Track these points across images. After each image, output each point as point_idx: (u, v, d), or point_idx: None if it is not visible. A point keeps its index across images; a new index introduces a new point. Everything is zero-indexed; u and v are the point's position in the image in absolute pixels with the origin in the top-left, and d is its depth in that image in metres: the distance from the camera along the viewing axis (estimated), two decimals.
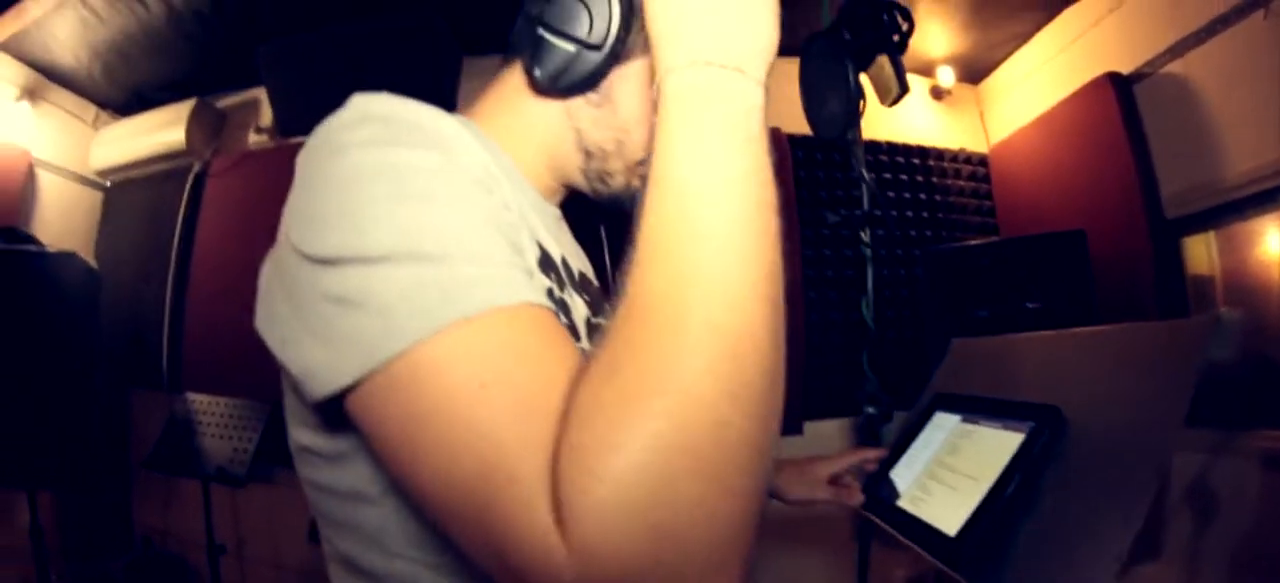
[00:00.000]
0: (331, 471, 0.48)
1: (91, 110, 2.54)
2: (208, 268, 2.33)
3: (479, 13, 2.19)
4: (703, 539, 0.30)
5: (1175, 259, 1.94)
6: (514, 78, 0.60)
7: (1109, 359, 0.92)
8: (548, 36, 0.52)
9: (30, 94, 2.27)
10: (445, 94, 2.34)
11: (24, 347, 1.85)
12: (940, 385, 1.19)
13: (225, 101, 2.55)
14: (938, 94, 2.64)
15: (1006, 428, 0.90)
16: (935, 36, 2.40)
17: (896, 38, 0.71)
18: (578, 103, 0.57)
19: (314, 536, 0.57)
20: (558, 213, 0.64)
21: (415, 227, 0.37)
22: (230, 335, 2.18)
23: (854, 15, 0.71)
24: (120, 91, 2.48)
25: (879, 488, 1.03)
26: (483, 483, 0.32)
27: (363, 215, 0.37)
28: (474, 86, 2.39)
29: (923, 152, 2.54)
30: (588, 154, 0.59)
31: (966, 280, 1.93)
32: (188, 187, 2.41)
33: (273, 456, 1.97)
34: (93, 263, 2.21)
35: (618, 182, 0.60)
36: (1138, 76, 2.02)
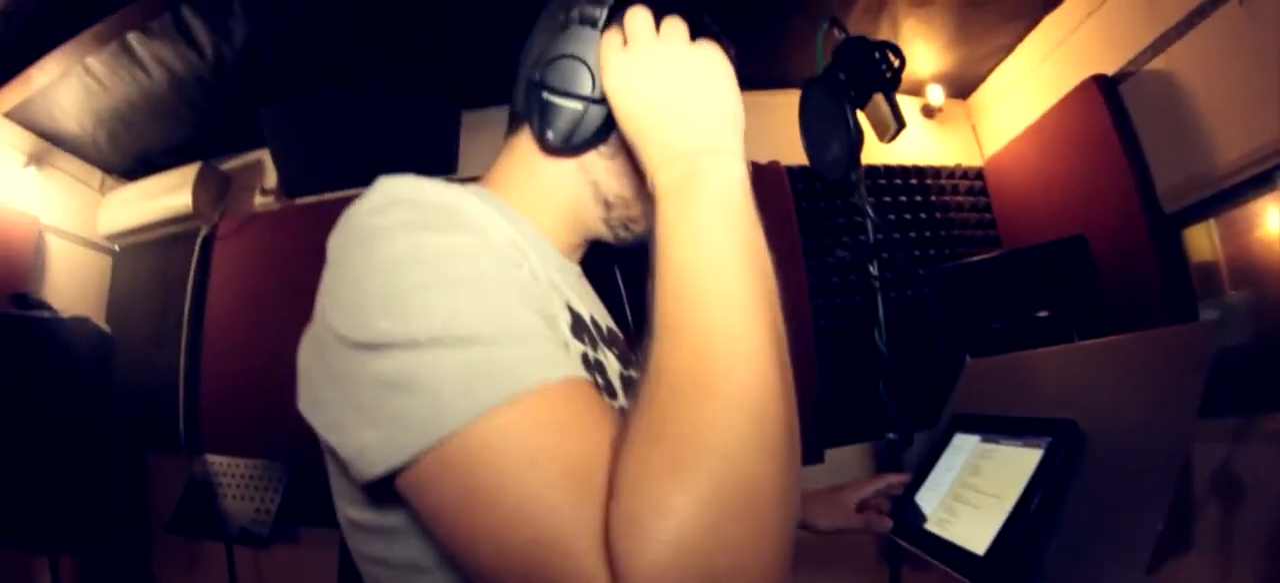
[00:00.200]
0: (386, 545, 0.49)
1: (97, 175, 2.58)
2: (220, 329, 2.34)
3: (474, 68, 2.25)
4: (749, 557, 0.33)
5: (1177, 252, 1.94)
6: (524, 143, 0.62)
7: (1119, 368, 0.94)
8: (553, 99, 0.55)
9: (37, 160, 2.29)
10: (445, 148, 2.39)
11: (41, 411, 1.87)
12: (958, 406, 1.20)
13: (229, 164, 2.59)
14: (929, 112, 2.67)
15: (1025, 445, 0.91)
16: (922, 56, 2.44)
17: (889, 75, 0.74)
18: (590, 157, 0.60)
19: None
20: (579, 270, 0.66)
21: (457, 310, 0.39)
22: (245, 396, 2.21)
23: (848, 57, 0.74)
24: (125, 157, 2.51)
25: (906, 512, 1.04)
26: (540, 552, 0.34)
27: (406, 302, 0.39)
28: (473, 139, 2.46)
29: (919, 172, 2.57)
30: (608, 204, 0.61)
31: (974, 296, 1.94)
32: (196, 249, 2.44)
33: (296, 515, 1.99)
34: (105, 327, 2.23)
35: (641, 226, 0.62)
36: (1122, 76, 2.05)
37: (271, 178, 2.50)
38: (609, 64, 0.51)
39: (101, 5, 1.74)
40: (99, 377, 2.04)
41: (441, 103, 2.31)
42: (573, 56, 0.54)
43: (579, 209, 0.62)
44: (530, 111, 0.57)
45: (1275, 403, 1.62)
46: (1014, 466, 0.90)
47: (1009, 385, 1.17)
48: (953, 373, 1.51)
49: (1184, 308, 1.88)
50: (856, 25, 2.21)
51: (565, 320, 0.51)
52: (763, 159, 2.34)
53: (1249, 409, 1.65)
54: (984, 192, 2.63)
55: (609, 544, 0.33)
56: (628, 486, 0.34)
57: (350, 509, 0.51)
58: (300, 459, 1.94)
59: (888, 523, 0.92)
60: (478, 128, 2.46)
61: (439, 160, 2.38)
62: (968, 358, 1.45)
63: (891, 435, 0.97)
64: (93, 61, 1.95)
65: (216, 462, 2.00)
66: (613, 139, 0.58)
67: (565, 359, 0.41)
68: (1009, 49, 2.47)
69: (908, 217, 2.52)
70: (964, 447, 1.04)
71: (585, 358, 0.51)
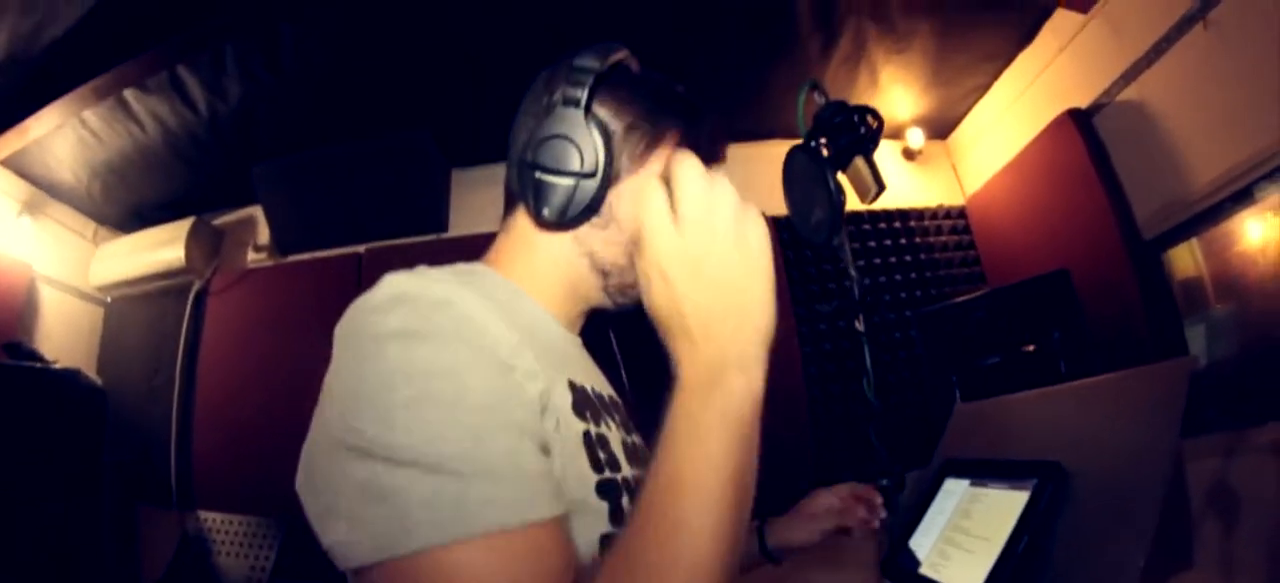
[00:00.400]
0: None
1: (91, 226, 2.58)
2: (213, 385, 2.33)
3: (464, 127, 2.31)
4: None
5: (1159, 276, 1.96)
6: (521, 222, 0.66)
7: (1101, 408, 0.97)
8: (545, 178, 0.58)
9: (31, 209, 2.29)
10: (436, 207, 2.43)
11: (31, 464, 1.84)
12: (947, 451, 1.23)
13: (222, 219, 2.60)
14: (909, 155, 2.72)
15: (1013, 487, 0.94)
16: (900, 100, 2.50)
17: (868, 138, 0.78)
18: (584, 230, 0.63)
19: None
20: (579, 341, 0.69)
21: (435, 435, 0.42)
22: (238, 452, 2.20)
23: (828, 123, 0.78)
24: (119, 209, 2.52)
25: (900, 557, 1.06)
26: None
27: (392, 415, 0.42)
28: (463, 197, 2.49)
29: (903, 214, 2.62)
30: (604, 273, 0.64)
31: (961, 336, 1.97)
32: (189, 304, 2.43)
33: (290, 572, 1.97)
34: (96, 379, 2.22)
35: (638, 292, 0.65)
36: (1095, 108, 2.09)
37: (264, 234, 2.51)
38: (654, 237, 0.49)
39: (99, 61, 1.77)
40: (90, 429, 2.03)
41: (432, 162, 2.35)
42: (560, 136, 0.58)
43: (578, 281, 0.65)
44: (525, 191, 0.60)
45: (1264, 414, 1.63)
46: (1002, 508, 0.93)
47: (995, 428, 1.20)
48: (943, 412, 1.54)
49: (1168, 331, 1.90)
50: (836, 75, 2.28)
51: (566, 400, 0.53)
52: None
53: (1238, 422, 1.66)
54: (967, 230, 2.67)
55: None
56: None
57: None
58: (294, 516, 1.91)
59: (862, 514, 0.93)
60: (468, 186, 2.50)
61: (430, 219, 2.41)
62: (957, 402, 1.48)
63: (884, 482, 0.99)
64: (89, 115, 1.97)
65: (210, 518, 1.98)
66: (603, 211, 0.61)
67: (531, 502, 0.43)
68: (985, 88, 2.53)
69: (892, 259, 2.55)
70: (955, 491, 1.06)
71: (587, 435, 0.53)
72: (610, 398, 0.66)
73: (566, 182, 0.57)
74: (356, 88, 2.05)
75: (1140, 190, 1.99)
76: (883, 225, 2.57)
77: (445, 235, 2.44)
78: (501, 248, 0.68)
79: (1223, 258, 1.83)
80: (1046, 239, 2.24)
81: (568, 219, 0.59)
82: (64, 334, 2.43)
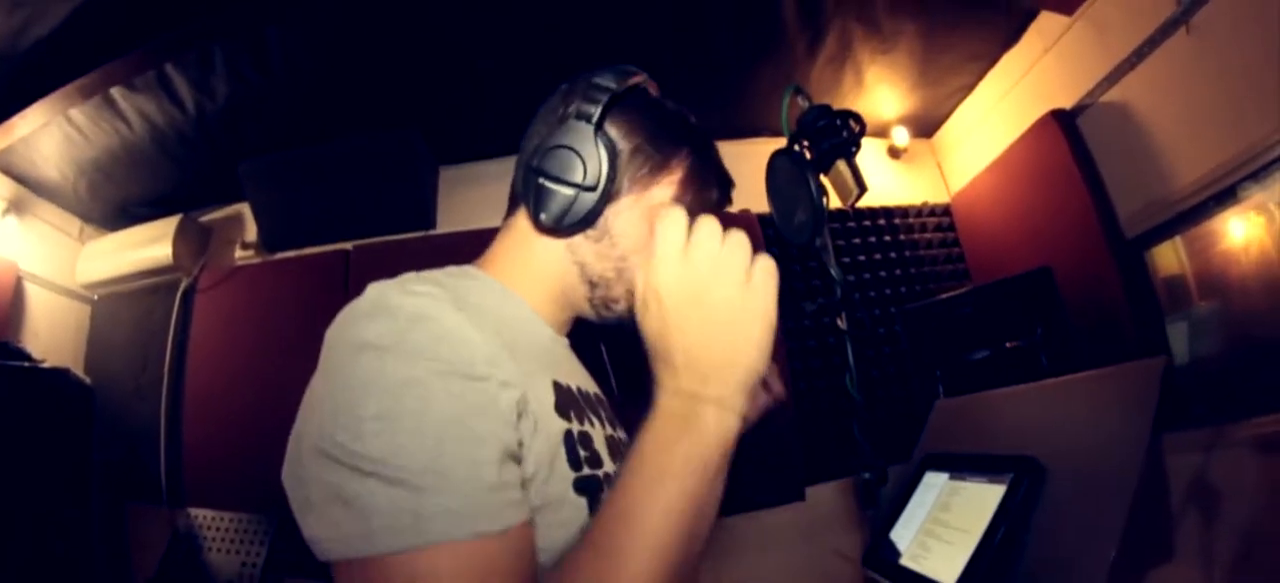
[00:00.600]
0: None
1: (77, 224, 2.56)
2: (202, 382, 2.32)
3: (452, 125, 2.31)
4: None
5: (1141, 274, 1.99)
6: (520, 224, 0.68)
7: (1076, 405, 1.00)
8: (548, 184, 0.61)
9: (16, 207, 2.27)
10: (424, 204, 2.42)
11: (19, 463, 1.84)
12: (928, 446, 1.26)
13: (210, 217, 2.59)
14: (895, 153, 2.74)
15: (990, 481, 0.97)
16: (885, 99, 2.53)
17: (850, 141, 0.80)
18: (578, 240, 0.65)
19: None
20: (567, 343, 0.71)
21: (399, 448, 0.44)
22: (228, 449, 2.19)
23: (811, 127, 0.80)
24: (105, 207, 2.50)
25: (882, 549, 1.08)
26: None
27: (361, 427, 0.45)
28: (451, 194, 2.50)
29: (888, 212, 2.64)
30: (592, 284, 0.66)
31: (945, 332, 2.00)
32: (177, 302, 2.42)
33: (282, 567, 1.97)
34: (84, 377, 2.21)
35: (621, 307, 0.67)
36: (1079, 109, 2.12)
37: (251, 231, 2.50)
38: (662, 260, 0.51)
39: (86, 59, 1.76)
40: (79, 428, 2.02)
41: (420, 160, 2.35)
42: (567, 147, 0.60)
43: (567, 288, 0.67)
44: (527, 194, 0.63)
45: (1245, 410, 1.66)
46: (980, 501, 0.95)
47: (975, 424, 1.23)
48: (925, 408, 1.57)
49: (1151, 328, 1.93)
50: (821, 75, 2.30)
51: (549, 401, 0.56)
52: (733, 208, 2.40)
53: (1220, 418, 1.70)
54: (952, 228, 2.70)
55: None
56: None
57: None
58: (285, 512, 1.91)
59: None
60: (456, 183, 2.50)
61: (417, 216, 2.40)
62: (938, 398, 1.50)
63: (867, 475, 1.02)
64: (76, 112, 1.96)
65: (201, 515, 1.98)
66: (599, 224, 0.64)
67: (484, 511, 0.45)
68: (970, 88, 2.55)
69: (877, 257, 2.58)
70: (934, 484, 1.09)
71: (568, 434, 0.56)
72: (596, 396, 0.69)
73: (567, 191, 0.60)
74: (344, 86, 2.05)
75: (1123, 190, 2.02)
76: (868, 223, 2.59)
77: (433, 233, 2.44)
78: (497, 249, 0.70)
79: (1206, 256, 1.86)
80: (1030, 237, 2.27)
81: (563, 226, 0.61)
82: (51, 333, 2.41)
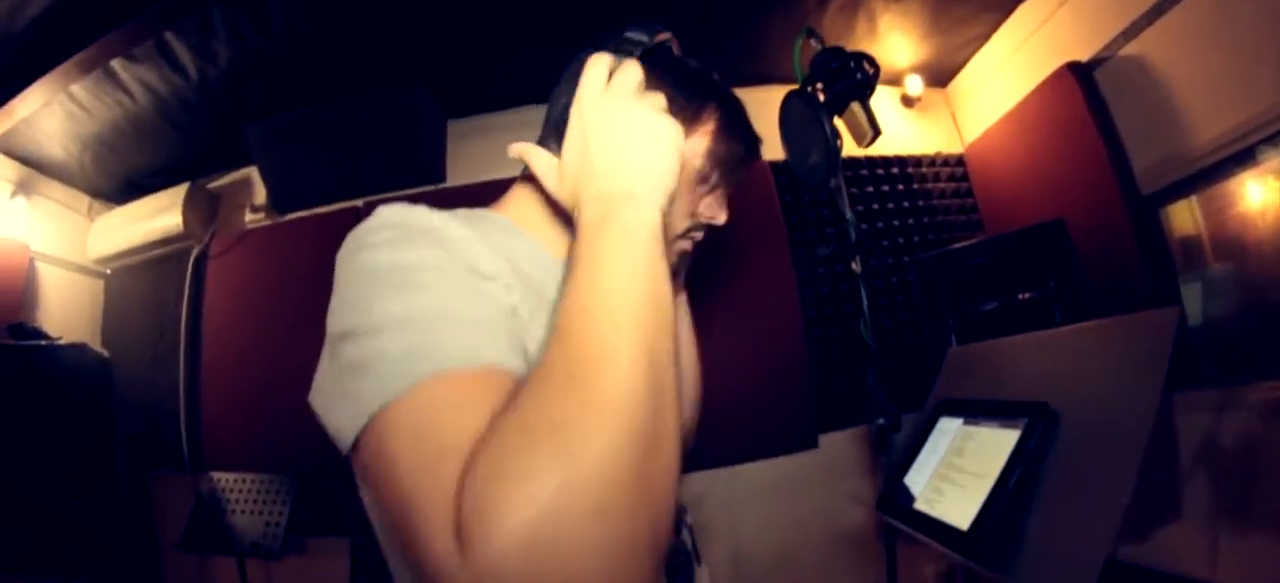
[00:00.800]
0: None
1: (85, 201, 2.57)
2: (218, 347, 2.35)
3: (458, 78, 2.28)
4: (587, 556, 0.36)
5: (1156, 231, 1.97)
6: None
7: (1090, 352, 0.99)
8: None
9: (23, 188, 2.29)
10: (432, 158, 2.41)
11: (43, 439, 1.88)
12: (942, 392, 1.26)
13: (218, 183, 2.60)
14: (908, 102, 2.69)
15: (1004, 426, 0.96)
16: (899, 47, 2.47)
17: (864, 84, 0.78)
18: None
19: None
20: None
21: (407, 303, 0.47)
22: (247, 412, 2.24)
23: (825, 68, 0.78)
24: (112, 180, 2.51)
25: (896, 493, 1.09)
26: (408, 513, 0.39)
27: (371, 300, 0.47)
28: (460, 147, 2.48)
29: (901, 161, 2.61)
30: None
31: (958, 282, 1.98)
32: (190, 269, 2.44)
33: (304, 526, 2.03)
34: (102, 351, 2.24)
35: None
36: (1096, 62, 2.08)
37: (261, 195, 2.50)
38: (583, 99, 0.56)
39: (84, 34, 1.74)
40: (100, 401, 2.06)
41: (427, 114, 2.33)
42: None
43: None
44: (547, 141, 0.66)
45: (1258, 372, 1.65)
46: (994, 445, 0.95)
47: (989, 371, 1.22)
48: (938, 357, 1.56)
49: (1165, 285, 1.91)
50: (833, 22, 2.25)
51: (551, 315, 0.57)
52: None
53: (1232, 380, 1.69)
54: (965, 178, 2.66)
55: (459, 508, 0.37)
56: (485, 453, 0.39)
57: (360, 478, 0.57)
58: (306, 470, 1.98)
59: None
60: (464, 136, 2.48)
61: (426, 171, 2.39)
62: (951, 345, 1.50)
63: (881, 421, 1.02)
64: (76, 88, 1.95)
65: (223, 478, 2.02)
66: None
67: (491, 345, 0.47)
68: (985, 38, 2.50)
69: (891, 206, 2.55)
70: (948, 429, 1.09)
71: None
72: None
73: None
74: (347, 43, 2.02)
75: (1139, 146, 1.99)
76: (881, 171, 2.56)
77: (444, 186, 2.43)
78: (515, 195, 0.73)
79: (1222, 218, 1.83)
80: (1044, 190, 2.24)
81: None
82: (66, 310, 2.44)
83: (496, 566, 0.34)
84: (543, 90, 0.68)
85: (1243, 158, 1.74)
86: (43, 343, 1.99)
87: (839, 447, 2.30)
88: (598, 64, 0.57)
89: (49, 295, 2.38)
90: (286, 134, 2.27)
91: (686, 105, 0.68)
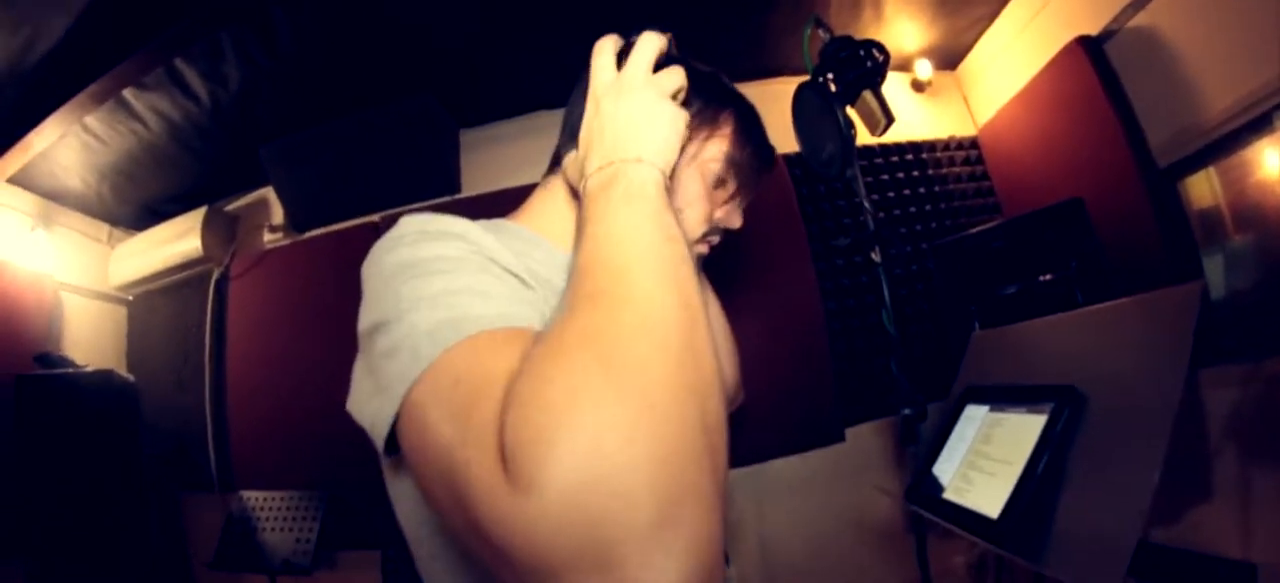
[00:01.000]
0: (443, 544, 0.57)
1: (104, 229, 2.62)
2: (242, 367, 2.38)
3: (469, 88, 2.29)
4: (636, 460, 0.33)
5: (1175, 204, 1.93)
6: (557, 183, 0.72)
7: (1113, 332, 0.97)
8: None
9: (44, 221, 2.33)
10: (446, 169, 2.42)
11: (74, 465, 1.92)
12: (967, 378, 1.24)
13: (235, 205, 2.63)
14: (919, 87, 2.67)
15: (1031, 412, 0.95)
16: (906, 31, 2.45)
17: (874, 71, 0.77)
18: None
19: None
20: None
21: (440, 285, 0.48)
22: (274, 430, 2.26)
23: (835, 58, 0.77)
24: (130, 208, 2.55)
25: (924, 484, 1.08)
26: (449, 463, 0.38)
27: (399, 290, 0.48)
28: (473, 157, 2.49)
29: (915, 147, 2.58)
30: None
31: (978, 266, 1.96)
32: (211, 292, 2.48)
33: (334, 541, 2.05)
34: (128, 376, 2.28)
35: None
36: (1106, 35, 2.04)
37: (278, 214, 2.53)
38: (596, 86, 0.59)
39: (95, 66, 1.76)
40: (127, 425, 2.10)
41: (439, 126, 2.34)
42: None
43: None
44: (563, 149, 0.68)
45: None
46: (1021, 432, 0.94)
47: (1013, 354, 1.21)
48: (961, 343, 1.54)
49: (1186, 259, 1.88)
50: (840, 11, 2.23)
51: None
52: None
53: (1258, 353, 1.66)
54: (980, 160, 2.63)
55: (501, 439, 0.36)
56: (519, 381, 0.38)
57: (394, 481, 0.59)
58: (335, 486, 2.00)
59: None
60: (477, 146, 2.49)
61: (442, 182, 2.41)
62: (975, 330, 1.48)
63: (907, 411, 1.01)
64: (91, 120, 1.98)
65: (252, 497, 2.05)
66: None
67: (520, 316, 0.47)
68: (992, 16, 2.47)
69: (907, 192, 2.53)
70: (975, 417, 1.08)
71: None
72: None
73: None
74: (356, 58, 2.03)
75: (1153, 118, 1.96)
76: (895, 158, 2.54)
77: (460, 196, 2.44)
78: (533, 204, 0.74)
79: (1241, 188, 1.80)
80: (1061, 168, 2.21)
81: None
82: (91, 337, 2.49)
83: (548, 489, 0.32)
84: (551, 95, 0.69)
85: (1259, 125, 1.71)
86: (69, 371, 2.03)
87: (865, 438, 2.29)
88: (604, 52, 0.60)
89: (73, 324, 2.42)
90: (300, 153, 2.30)
91: (704, 109, 0.69)
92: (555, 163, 0.73)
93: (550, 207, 0.72)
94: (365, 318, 0.52)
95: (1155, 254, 1.91)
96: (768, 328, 2.21)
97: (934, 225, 2.51)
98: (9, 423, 1.90)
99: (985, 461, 0.99)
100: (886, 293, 0.82)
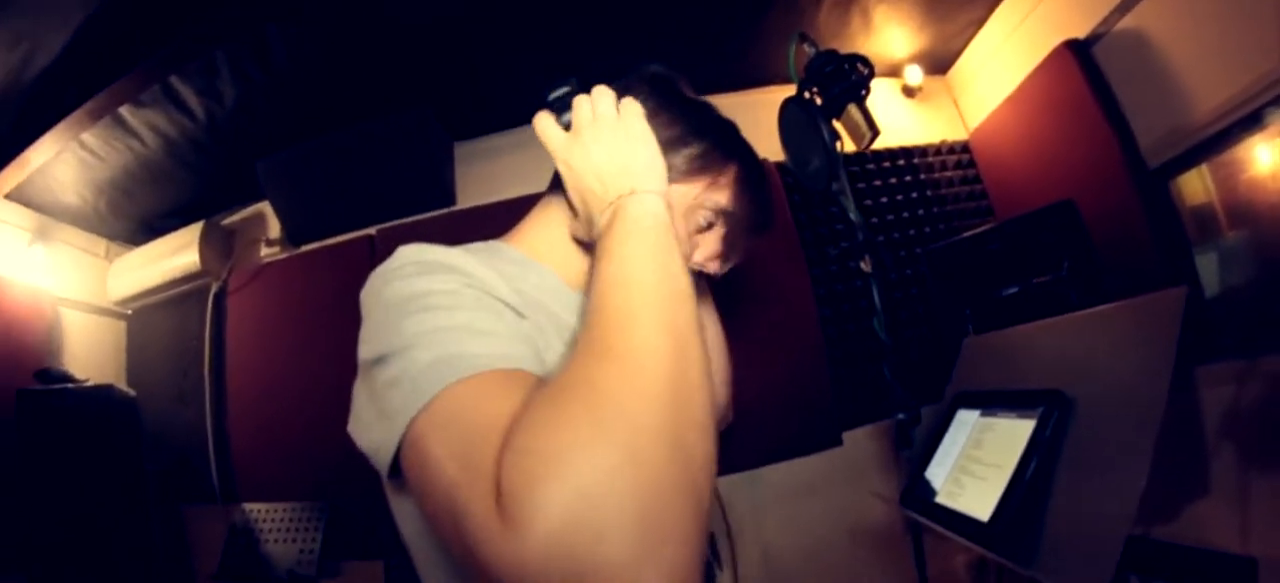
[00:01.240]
0: (442, 553, 0.58)
1: (102, 244, 2.62)
2: (242, 380, 2.39)
3: (464, 101, 2.31)
4: (618, 503, 0.36)
5: (1166, 204, 1.95)
6: (554, 205, 0.73)
7: (1102, 337, 0.99)
8: None
9: (41, 236, 2.33)
10: (442, 181, 2.43)
11: (76, 481, 1.92)
12: (958, 384, 1.26)
13: (232, 219, 2.64)
14: (909, 92, 2.68)
15: (1021, 416, 0.97)
16: (895, 38, 2.46)
17: (859, 85, 0.78)
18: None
19: None
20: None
21: (434, 321, 0.50)
22: (275, 442, 2.27)
23: (819, 73, 0.79)
24: (128, 223, 2.55)
25: (917, 488, 1.09)
26: (449, 501, 0.41)
27: (400, 324, 0.51)
28: (468, 169, 2.50)
29: (906, 152, 2.59)
30: None
31: (970, 270, 1.97)
32: (210, 306, 2.48)
33: (338, 551, 2.06)
34: (128, 390, 2.28)
35: None
36: (1094, 38, 2.06)
37: (275, 228, 2.54)
38: (557, 152, 0.62)
39: (91, 82, 1.77)
40: (129, 439, 2.10)
41: (434, 137, 2.35)
42: None
43: (586, 258, 0.71)
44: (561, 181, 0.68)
45: (1277, 343, 1.63)
46: (1011, 436, 0.96)
47: (1004, 359, 1.22)
48: (955, 347, 1.56)
49: (1178, 259, 1.89)
50: (827, 20, 2.25)
51: (565, 344, 0.61)
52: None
53: (1253, 350, 1.67)
54: (972, 165, 2.65)
55: (499, 480, 0.38)
56: (519, 426, 0.40)
57: (396, 499, 0.60)
58: (337, 496, 2.01)
59: None
60: (470, 158, 2.50)
61: (437, 194, 2.42)
62: (968, 335, 1.50)
63: (900, 416, 1.02)
64: (87, 136, 1.98)
65: (255, 509, 2.06)
66: None
67: (512, 355, 0.50)
68: (981, 21, 2.48)
69: (899, 197, 2.54)
70: (966, 422, 1.09)
71: None
72: None
73: None
74: (351, 73, 2.05)
75: (1143, 119, 1.97)
76: (887, 164, 2.56)
77: (455, 209, 2.45)
78: (527, 225, 0.75)
79: (1233, 185, 1.81)
80: (1052, 171, 2.22)
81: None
82: (90, 352, 2.49)
83: (536, 529, 0.35)
84: (541, 97, 0.70)
85: (1250, 122, 1.72)
86: (69, 386, 2.04)
87: (862, 442, 2.30)
88: (541, 120, 0.63)
89: (72, 339, 2.42)
90: (297, 167, 2.31)
91: (709, 153, 0.71)
92: (555, 184, 0.74)
93: (545, 231, 0.73)
94: (366, 347, 0.54)
95: (1147, 253, 1.92)
96: (764, 333, 2.22)
97: (927, 230, 2.52)
98: (10, 439, 1.90)
99: (976, 465, 1.00)
100: (878, 301, 0.83)
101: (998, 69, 2.50)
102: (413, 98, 2.23)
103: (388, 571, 2.18)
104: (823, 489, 2.24)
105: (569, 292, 0.70)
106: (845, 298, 2.40)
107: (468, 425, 0.43)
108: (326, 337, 2.19)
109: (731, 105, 0.78)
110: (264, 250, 2.55)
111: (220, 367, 2.44)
